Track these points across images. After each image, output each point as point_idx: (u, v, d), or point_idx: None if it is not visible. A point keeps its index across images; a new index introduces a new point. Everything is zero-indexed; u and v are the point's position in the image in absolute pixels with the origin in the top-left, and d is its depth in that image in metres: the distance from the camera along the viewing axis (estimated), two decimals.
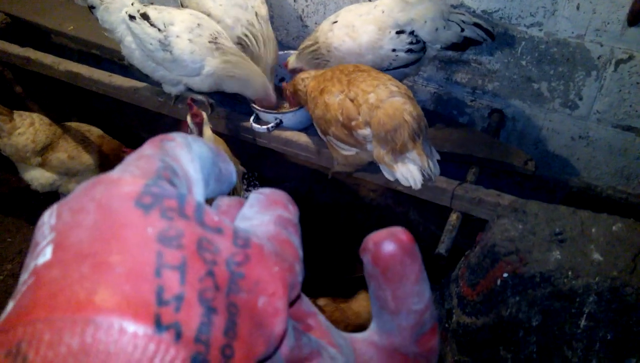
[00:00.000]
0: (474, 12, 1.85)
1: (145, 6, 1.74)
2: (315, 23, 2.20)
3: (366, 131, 1.44)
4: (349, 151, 1.55)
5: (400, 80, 1.62)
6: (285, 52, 2.05)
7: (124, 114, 2.69)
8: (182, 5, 1.95)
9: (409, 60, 1.73)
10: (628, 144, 1.91)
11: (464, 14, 1.71)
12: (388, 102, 1.41)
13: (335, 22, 1.74)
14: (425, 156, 1.42)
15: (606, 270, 1.22)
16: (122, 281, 0.21)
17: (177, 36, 1.70)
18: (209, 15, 1.82)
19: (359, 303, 1.90)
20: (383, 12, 1.69)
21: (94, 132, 2.31)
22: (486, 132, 1.98)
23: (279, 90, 1.94)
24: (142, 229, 0.22)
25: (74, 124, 2.33)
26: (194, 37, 1.70)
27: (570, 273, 1.23)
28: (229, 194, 0.32)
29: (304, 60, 1.84)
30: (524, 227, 1.34)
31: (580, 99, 1.89)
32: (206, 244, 0.23)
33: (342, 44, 1.72)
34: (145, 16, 1.71)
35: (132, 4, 1.74)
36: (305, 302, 0.32)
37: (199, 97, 1.91)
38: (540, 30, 1.81)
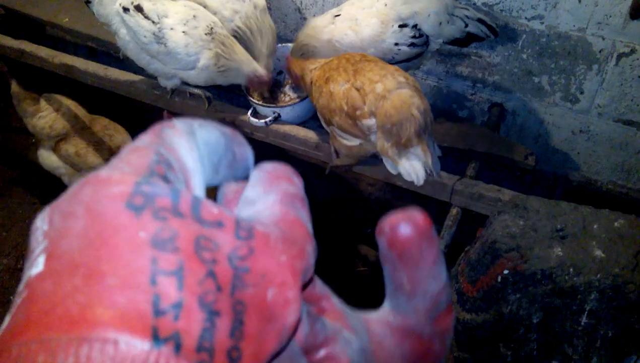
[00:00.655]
0: (474, 4, 1.83)
1: None
2: (314, 15, 2.18)
3: (371, 121, 1.42)
4: (351, 142, 1.53)
5: None
6: (284, 44, 2.03)
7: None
8: None
9: (411, 55, 1.71)
10: (629, 139, 1.90)
11: (468, 9, 1.68)
12: (395, 93, 1.38)
13: (338, 15, 1.72)
14: (430, 153, 1.40)
15: (608, 267, 1.21)
16: (115, 293, 0.19)
17: (171, 28, 1.67)
18: (205, 7, 1.79)
19: None
20: (386, 5, 1.66)
21: (117, 136, 2.29)
22: (486, 126, 1.97)
23: (277, 84, 1.92)
24: (134, 234, 0.21)
25: (103, 122, 2.31)
26: (189, 29, 1.68)
27: (571, 270, 1.22)
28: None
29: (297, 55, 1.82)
30: (525, 223, 1.33)
31: (582, 92, 1.87)
32: (204, 242, 0.21)
33: (344, 37, 1.70)
34: (138, 8, 1.68)
35: None
36: (319, 284, 0.31)
37: (196, 90, 1.88)
38: (542, 23, 1.79)
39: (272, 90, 1.95)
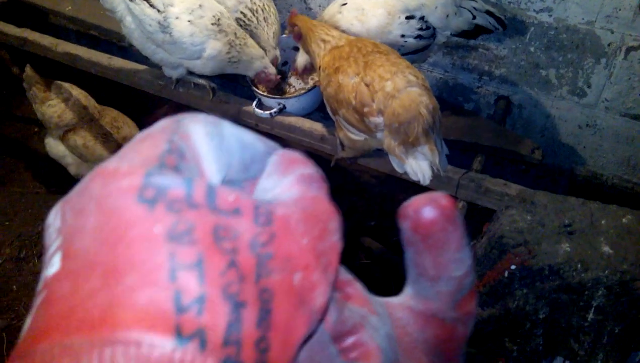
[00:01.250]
0: None
1: None
2: (320, 5, 2.15)
3: (378, 119, 1.40)
4: (357, 136, 1.51)
5: None
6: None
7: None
8: None
9: (418, 47, 1.69)
10: (635, 133, 1.89)
11: (476, 1, 1.66)
12: (405, 92, 1.36)
13: (345, 4, 1.70)
14: (437, 152, 1.39)
15: (616, 263, 1.20)
16: (134, 292, 0.19)
17: (177, 18, 1.65)
18: None
19: None
20: None
21: (125, 129, 2.28)
22: (492, 119, 1.95)
23: (282, 75, 1.90)
24: (148, 229, 0.20)
25: (112, 113, 2.30)
26: (195, 18, 1.66)
27: (579, 266, 1.21)
28: None
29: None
30: (532, 218, 1.32)
31: (589, 86, 1.86)
32: (223, 232, 0.21)
33: (350, 27, 1.67)
34: None
35: None
36: (342, 270, 0.30)
37: (201, 81, 1.87)
38: (550, 15, 1.77)
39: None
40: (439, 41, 1.73)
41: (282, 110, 1.81)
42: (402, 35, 1.66)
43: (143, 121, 2.33)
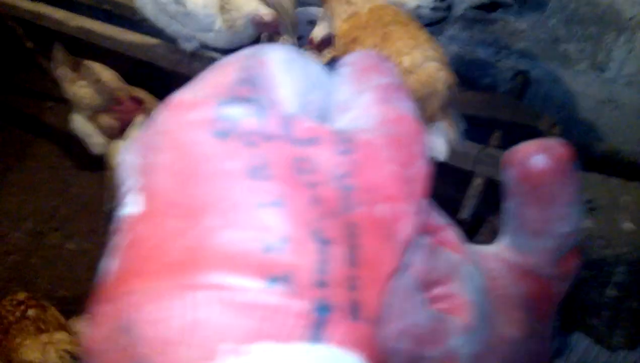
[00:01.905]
0: None
1: None
2: None
3: None
4: None
5: None
6: (304, 8, 1.98)
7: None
8: None
9: (433, 19, 1.66)
10: None
11: None
12: (422, 67, 1.35)
13: None
14: (454, 127, 1.38)
15: (637, 240, 1.20)
16: (218, 233, 0.18)
17: None
18: None
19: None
20: None
21: (152, 109, 2.27)
22: (510, 95, 1.94)
23: None
24: (225, 164, 0.19)
25: (140, 94, 2.30)
26: None
27: (600, 242, 1.21)
28: None
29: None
30: None
31: (609, 61, 1.83)
32: (302, 164, 0.19)
33: None
34: None
35: None
36: (437, 213, 0.28)
37: (215, 55, 1.85)
38: None
39: None
40: (456, 14, 1.70)
41: None
42: (418, 7, 1.63)
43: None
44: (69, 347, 1.60)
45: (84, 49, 2.22)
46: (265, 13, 1.70)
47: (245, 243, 0.18)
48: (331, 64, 1.77)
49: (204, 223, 0.18)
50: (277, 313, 0.17)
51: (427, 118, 1.37)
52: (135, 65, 2.25)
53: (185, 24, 1.70)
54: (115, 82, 2.24)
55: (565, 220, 0.28)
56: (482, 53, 2.03)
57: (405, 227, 0.21)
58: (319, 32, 1.78)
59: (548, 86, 1.99)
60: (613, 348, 1.37)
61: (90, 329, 0.18)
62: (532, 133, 1.79)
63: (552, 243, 0.29)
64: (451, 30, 2.01)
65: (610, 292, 1.25)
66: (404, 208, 0.21)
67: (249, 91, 0.21)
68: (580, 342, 1.40)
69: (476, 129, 1.93)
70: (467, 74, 2.10)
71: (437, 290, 0.26)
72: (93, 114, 2.23)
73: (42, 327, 1.65)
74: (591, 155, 2.04)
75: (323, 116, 0.24)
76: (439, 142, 1.40)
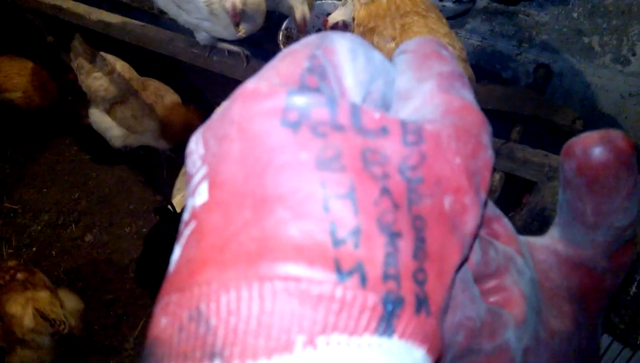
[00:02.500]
0: None
1: None
2: None
3: None
4: None
5: None
6: (320, 2, 1.97)
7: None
8: None
9: (457, 12, 1.64)
10: None
11: None
12: None
13: None
14: None
15: None
16: (288, 224, 0.18)
17: None
18: None
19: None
20: None
21: (168, 97, 2.28)
22: (531, 88, 1.91)
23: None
24: (296, 155, 0.19)
25: (154, 84, 2.31)
26: None
27: None
28: None
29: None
30: None
31: (634, 54, 1.80)
32: (372, 156, 0.19)
33: None
34: None
35: None
36: (490, 204, 0.27)
37: (234, 48, 1.85)
38: None
39: None
40: (479, 6, 1.68)
41: None
42: (441, 0, 1.61)
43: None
44: (46, 307, 1.67)
45: (104, 42, 2.23)
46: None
47: (317, 236, 0.18)
48: None
49: (274, 214, 0.18)
50: (349, 306, 0.17)
51: None
52: (153, 59, 2.26)
53: (190, 12, 1.69)
54: (128, 72, 2.25)
55: (622, 213, 0.27)
56: (503, 46, 2.00)
57: (471, 220, 0.21)
58: (336, 16, 1.74)
59: (570, 80, 1.96)
60: (634, 347, 1.35)
61: (159, 318, 0.18)
62: (553, 127, 1.76)
63: (607, 236, 0.28)
64: (472, 22, 1.98)
65: (633, 289, 1.23)
66: (471, 200, 0.21)
67: (318, 80, 0.21)
68: (602, 340, 1.39)
69: (496, 123, 1.91)
70: (487, 67, 2.08)
71: (491, 283, 0.26)
72: (110, 107, 2.25)
73: (29, 286, 1.75)
74: None
75: (385, 105, 0.24)
76: None
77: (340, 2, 1.83)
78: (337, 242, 0.18)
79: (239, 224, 0.18)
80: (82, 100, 2.33)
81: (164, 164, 2.45)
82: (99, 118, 2.30)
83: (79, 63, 2.19)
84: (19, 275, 1.77)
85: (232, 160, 0.19)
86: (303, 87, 0.20)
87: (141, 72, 2.30)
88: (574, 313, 0.29)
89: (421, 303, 0.18)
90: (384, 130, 0.19)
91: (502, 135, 1.65)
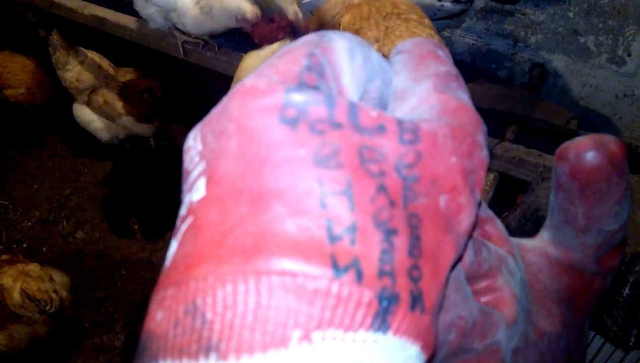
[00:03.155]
0: None
1: None
2: None
3: None
4: None
5: (440, 32, 1.53)
6: (310, 1, 1.95)
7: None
8: None
9: (454, 12, 1.63)
10: None
11: None
12: None
13: None
14: None
15: None
16: (285, 220, 0.18)
17: None
18: None
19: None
20: None
21: (128, 76, 2.31)
22: (526, 88, 1.90)
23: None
24: (293, 152, 0.19)
25: (127, 70, 2.32)
26: None
27: None
28: None
29: None
30: None
31: (629, 55, 1.79)
32: (368, 153, 0.19)
33: None
34: None
35: None
36: (483, 206, 0.27)
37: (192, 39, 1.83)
38: None
39: None
40: (477, 7, 1.68)
41: None
42: (439, 0, 1.60)
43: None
44: (34, 284, 1.72)
45: (95, 37, 2.21)
46: (250, 11, 1.64)
47: (312, 231, 0.18)
48: None
49: (271, 210, 0.18)
50: (345, 301, 0.17)
51: None
52: (148, 55, 2.24)
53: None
54: (99, 61, 2.26)
55: (613, 217, 0.27)
56: (498, 45, 2.00)
57: (466, 219, 0.21)
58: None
59: (565, 79, 1.95)
60: (627, 348, 1.35)
61: (154, 312, 0.18)
62: (548, 127, 1.76)
63: (597, 240, 0.28)
64: (467, 21, 1.97)
65: (626, 291, 1.23)
66: (466, 199, 0.21)
67: (316, 78, 0.21)
68: (594, 342, 1.39)
69: (491, 122, 1.90)
70: (482, 66, 2.07)
71: (483, 284, 0.26)
72: (88, 98, 2.24)
73: (16, 260, 1.84)
74: None
75: (382, 105, 0.24)
76: None
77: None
78: (333, 238, 0.18)
79: (235, 219, 0.18)
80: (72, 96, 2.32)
81: (153, 156, 2.43)
82: (80, 112, 2.30)
83: (56, 58, 2.20)
84: (3, 257, 1.87)
85: (230, 156, 0.19)
86: (301, 85, 0.20)
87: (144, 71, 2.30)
88: (563, 314, 0.30)
89: (416, 300, 0.19)
90: (381, 128, 0.20)
91: (497, 134, 1.65)
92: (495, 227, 0.28)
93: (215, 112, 0.21)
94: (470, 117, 0.23)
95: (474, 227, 0.22)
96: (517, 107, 1.75)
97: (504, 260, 0.26)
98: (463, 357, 0.24)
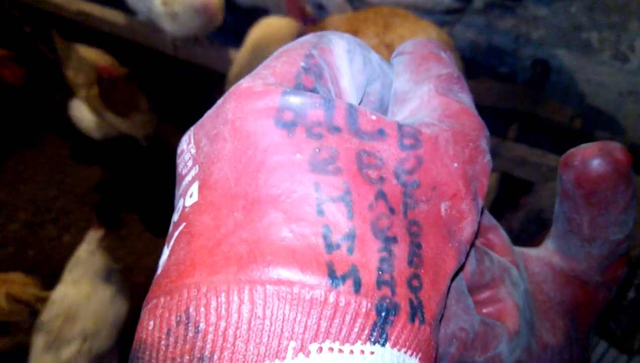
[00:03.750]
0: None
1: None
2: None
3: None
4: None
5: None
6: None
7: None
8: None
9: (453, 7, 1.60)
10: None
11: None
12: None
13: None
14: None
15: None
16: (281, 227, 0.17)
17: None
18: None
19: None
20: None
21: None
22: (528, 85, 1.87)
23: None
24: (289, 157, 0.18)
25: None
26: None
27: None
28: None
29: None
30: None
31: (633, 51, 1.76)
32: (367, 159, 0.19)
33: None
34: None
35: None
36: (485, 213, 0.27)
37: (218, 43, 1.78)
38: None
39: None
40: (478, 1, 1.64)
41: None
42: None
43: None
44: (18, 288, 1.70)
45: (83, 33, 2.17)
46: (208, 1, 1.57)
47: (309, 239, 0.17)
48: None
49: (266, 216, 0.18)
50: (342, 312, 0.17)
51: None
52: (136, 50, 2.20)
53: None
54: (94, 55, 2.21)
55: (619, 226, 0.27)
56: (499, 40, 1.96)
57: (468, 227, 0.21)
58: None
59: (568, 76, 1.92)
60: (631, 353, 1.33)
61: (146, 321, 0.18)
62: (551, 125, 1.73)
63: (602, 249, 0.28)
64: (467, 16, 1.94)
65: (631, 294, 1.21)
66: (468, 206, 0.21)
67: (314, 80, 0.20)
68: (598, 346, 1.37)
69: (493, 120, 1.86)
70: (483, 62, 2.03)
71: (485, 294, 0.26)
72: (86, 92, 2.20)
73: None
74: None
75: (382, 108, 0.24)
76: None
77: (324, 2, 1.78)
78: (330, 246, 0.17)
79: (230, 226, 0.18)
80: (60, 93, 2.27)
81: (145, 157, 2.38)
82: (75, 107, 2.25)
83: (59, 56, 2.16)
84: None
85: (224, 160, 0.19)
86: (299, 87, 0.20)
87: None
88: (566, 327, 0.29)
89: (415, 310, 0.18)
90: (380, 133, 0.19)
91: (499, 133, 1.62)
92: (499, 235, 0.28)
93: (209, 114, 0.20)
94: (472, 122, 0.22)
95: (476, 235, 0.22)
96: (519, 105, 1.73)
97: (507, 270, 0.27)
98: None
